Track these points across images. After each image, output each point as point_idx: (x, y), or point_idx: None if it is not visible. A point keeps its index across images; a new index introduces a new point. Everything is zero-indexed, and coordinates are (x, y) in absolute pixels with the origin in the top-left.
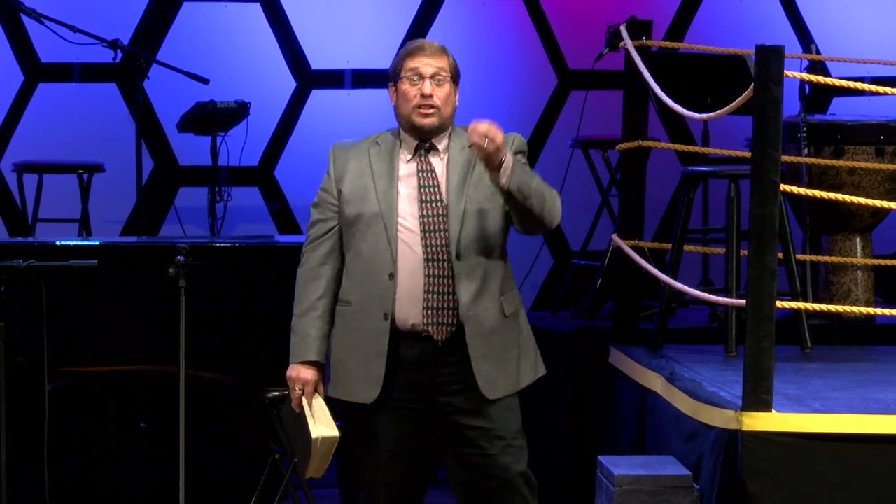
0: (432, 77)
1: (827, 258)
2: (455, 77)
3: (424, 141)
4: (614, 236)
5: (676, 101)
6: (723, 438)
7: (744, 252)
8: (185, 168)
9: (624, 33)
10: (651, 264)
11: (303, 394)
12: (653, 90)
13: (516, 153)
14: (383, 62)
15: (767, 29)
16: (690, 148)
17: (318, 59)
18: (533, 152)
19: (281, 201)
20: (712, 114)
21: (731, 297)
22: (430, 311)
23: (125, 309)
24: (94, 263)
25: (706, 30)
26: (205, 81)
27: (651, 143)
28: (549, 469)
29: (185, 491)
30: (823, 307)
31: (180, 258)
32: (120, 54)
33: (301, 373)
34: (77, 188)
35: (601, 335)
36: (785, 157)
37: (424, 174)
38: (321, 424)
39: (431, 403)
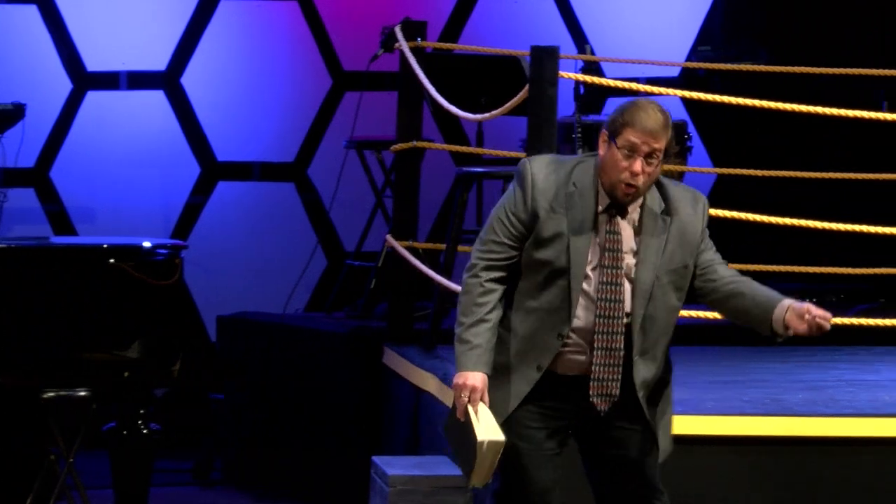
0: (647, 156)
1: None
2: (669, 153)
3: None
4: (388, 237)
5: (451, 102)
6: None
7: None
8: None
9: (399, 34)
10: (425, 265)
11: (469, 401)
12: (427, 91)
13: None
14: (158, 63)
15: (542, 30)
16: (465, 149)
17: (94, 61)
18: (307, 153)
19: (57, 203)
20: (487, 114)
21: None
22: (596, 383)
23: None
24: None
25: (481, 31)
26: None
27: (426, 144)
28: (323, 469)
29: None
30: None
31: None
32: None
33: (469, 379)
34: None
35: (375, 336)
36: None
37: (611, 236)
38: (487, 429)
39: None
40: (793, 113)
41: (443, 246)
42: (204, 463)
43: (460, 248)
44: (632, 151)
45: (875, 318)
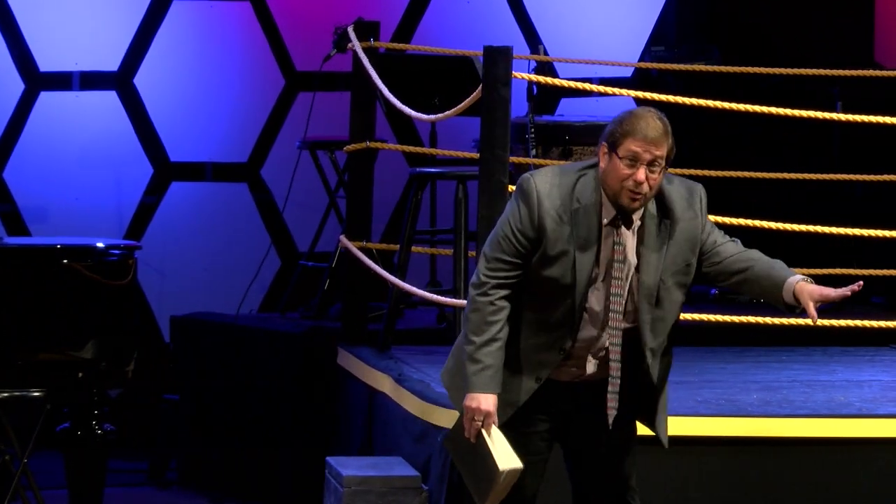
0: (649, 164)
1: None
2: (670, 159)
3: (623, 213)
4: (342, 237)
5: (404, 103)
6: None
7: (472, 253)
8: None
9: (352, 35)
10: (379, 265)
11: (482, 425)
12: (380, 91)
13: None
14: (111, 64)
15: (495, 30)
16: (418, 149)
17: (47, 61)
18: (260, 154)
19: (10, 203)
20: (440, 115)
21: (459, 298)
22: (612, 394)
23: None
24: None
25: (434, 31)
26: None
27: (379, 145)
28: (278, 470)
29: None
30: None
31: None
32: None
33: (482, 403)
34: None
35: (330, 336)
36: (513, 158)
37: (616, 248)
38: (504, 456)
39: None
40: (746, 113)
41: (396, 246)
42: (159, 463)
43: (414, 248)
44: (634, 161)
45: (830, 318)
